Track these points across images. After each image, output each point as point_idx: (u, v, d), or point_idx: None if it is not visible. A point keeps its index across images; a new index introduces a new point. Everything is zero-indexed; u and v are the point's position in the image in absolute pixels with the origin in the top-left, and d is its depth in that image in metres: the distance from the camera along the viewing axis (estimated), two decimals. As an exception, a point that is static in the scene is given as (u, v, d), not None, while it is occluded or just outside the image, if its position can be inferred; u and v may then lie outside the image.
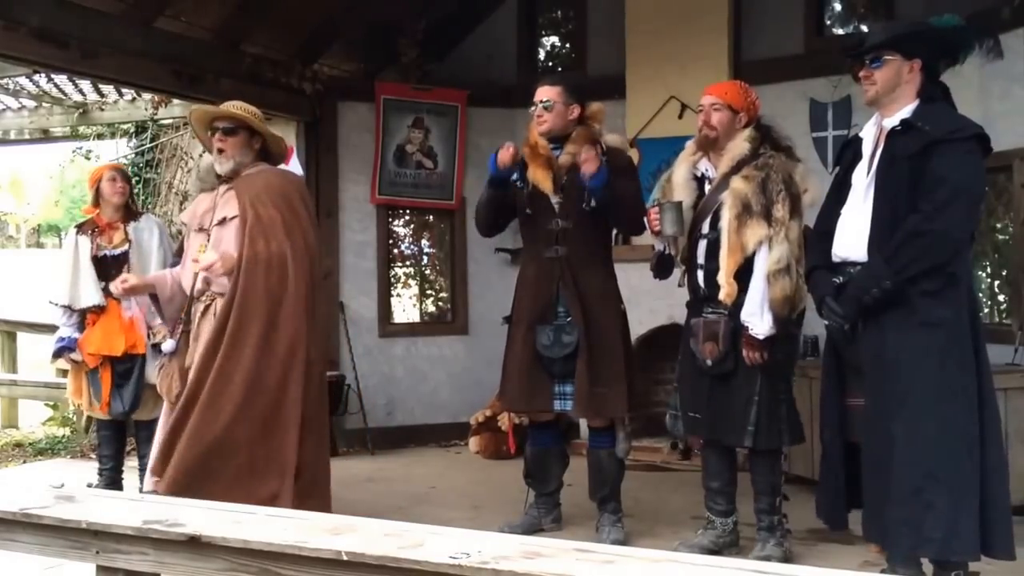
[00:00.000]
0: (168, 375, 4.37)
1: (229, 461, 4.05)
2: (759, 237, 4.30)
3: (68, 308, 5.59)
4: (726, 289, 4.35)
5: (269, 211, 4.25)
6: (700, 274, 4.54)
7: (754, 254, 4.33)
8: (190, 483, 3.93)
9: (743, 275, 4.36)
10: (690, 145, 4.71)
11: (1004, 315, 5.98)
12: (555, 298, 4.85)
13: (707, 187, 4.58)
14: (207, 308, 4.31)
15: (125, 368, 5.55)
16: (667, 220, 4.47)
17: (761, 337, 4.31)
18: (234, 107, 4.44)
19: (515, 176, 4.93)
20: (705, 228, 4.53)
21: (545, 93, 4.84)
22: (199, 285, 4.36)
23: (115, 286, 4.61)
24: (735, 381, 4.42)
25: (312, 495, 4.18)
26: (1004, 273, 6.02)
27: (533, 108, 4.87)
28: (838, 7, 7.27)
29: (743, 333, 4.35)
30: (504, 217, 5.12)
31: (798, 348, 4.56)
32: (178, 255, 5.71)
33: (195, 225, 4.46)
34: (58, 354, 5.68)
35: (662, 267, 4.77)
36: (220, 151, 4.38)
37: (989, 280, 6.15)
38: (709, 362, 4.45)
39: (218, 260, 4.18)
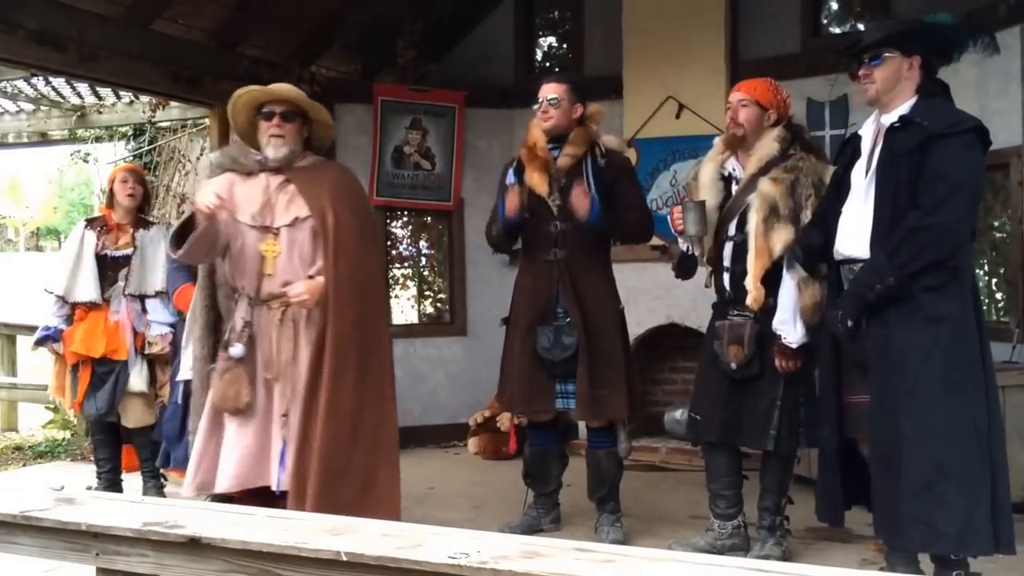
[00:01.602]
0: (235, 382, 4.08)
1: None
2: (786, 241, 4.24)
3: (62, 299, 5.58)
4: (753, 294, 4.31)
5: (347, 218, 4.08)
6: (726, 276, 4.50)
7: (782, 258, 4.28)
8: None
9: (770, 279, 4.32)
10: (718, 144, 4.64)
11: (1002, 313, 5.99)
12: (554, 300, 4.84)
13: (734, 187, 4.53)
14: (283, 316, 4.10)
15: (105, 371, 5.54)
16: (690, 220, 4.42)
17: (795, 346, 4.26)
18: (292, 92, 4.19)
19: (512, 180, 4.93)
20: (732, 230, 4.48)
21: (552, 90, 4.82)
22: (271, 290, 4.13)
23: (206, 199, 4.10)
24: (758, 385, 4.38)
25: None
26: (1002, 271, 6.02)
27: (537, 105, 4.84)
28: (835, 6, 7.28)
29: (775, 342, 4.29)
30: (517, 238, 5.10)
31: (817, 353, 4.50)
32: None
33: (248, 220, 4.14)
34: (40, 342, 5.67)
35: (684, 267, 4.71)
36: (277, 136, 4.13)
37: (987, 278, 6.16)
38: (734, 365, 4.40)
39: (307, 294, 4.03)
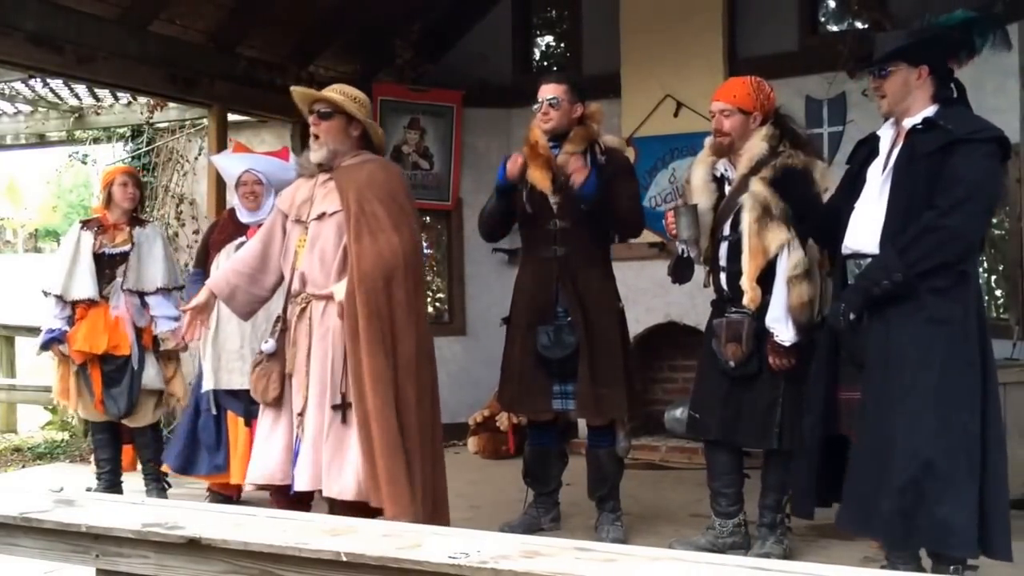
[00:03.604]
0: (265, 375, 4.13)
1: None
2: (781, 240, 4.24)
3: (60, 299, 5.59)
4: (749, 294, 4.29)
5: (374, 207, 4.02)
6: (723, 276, 4.50)
7: (777, 257, 4.27)
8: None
9: (767, 278, 4.30)
10: (706, 148, 4.64)
11: (1002, 310, 5.99)
12: (554, 298, 4.84)
13: (727, 187, 4.52)
14: (303, 311, 4.08)
15: (114, 368, 5.55)
16: (683, 224, 4.43)
17: (787, 344, 4.26)
18: (333, 91, 4.18)
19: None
20: (726, 230, 4.47)
21: (552, 91, 4.82)
22: (295, 285, 4.13)
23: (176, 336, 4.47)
24: (759, 383, 4.37)
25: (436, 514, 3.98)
26: (1001, 268, 6.03)
27: (537, 105, 4.84)
28: (832, 4, 7.28)
29: (768, 339, 4.29)
30: (509, 223, 5.10)
31: (815, 349, 4.49)
32: (203, 252, 5.65)
33: (293, 215, 4.22)
34: (46, 346, 5.68)
35: (680, 271, 4.69)
36: (315, 136, 4.16)
37: (986, 276, 6.16)
38: (732, 363, 4.39)
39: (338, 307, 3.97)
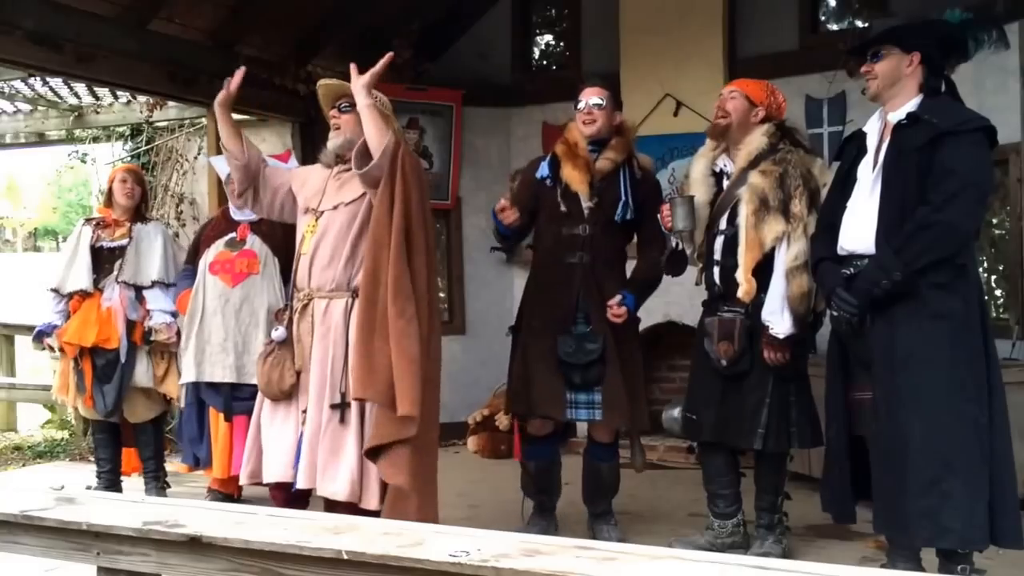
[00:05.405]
0: (279, 364, 4.08)
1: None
2: (777, 233, 4.24)
3: (57, 292, 5.61)
4: (744, 287, 4.28)
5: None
6: (716, 271, 4.48)
7: (773, 251, 4.28)
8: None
9: (762, 273, 4.30)
10: (708, 141, 4.64)
11: (1002, 310, 5.99)
12: (575, 305, 4.69)
13: (726, 183, 4.52)
14: (305, 308, 4.07)
15: (103, 363, 5.51)
16: (679, 215, 4.41)
17: (782, 337, 4.25)
18: (342, 84, 4.24)
19: (546, 174, 4.80)
20: (723, 224, 4.46)
21: (597, 94, 4.73)
22: (300, 276, 4.13)
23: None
24: (747, 383, 4.36)
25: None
26: (1001, 268, 6.03)
27: (581, 106, 4.74)
28: (832, 3, 7.28)
29: (763, 333, 4.28)
30: (524, 234, 5.03)
31: (809, 349, 4.48)
32: (194, 249, 5.61)
33: (301, 202, 4.26)
34: (37, 337, 5.70)
35: (674, 263, 4.68)
36: (336, 127, 4.25)
37: (986, 275, 6.16)
38: (724, 362, 4.38)
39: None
